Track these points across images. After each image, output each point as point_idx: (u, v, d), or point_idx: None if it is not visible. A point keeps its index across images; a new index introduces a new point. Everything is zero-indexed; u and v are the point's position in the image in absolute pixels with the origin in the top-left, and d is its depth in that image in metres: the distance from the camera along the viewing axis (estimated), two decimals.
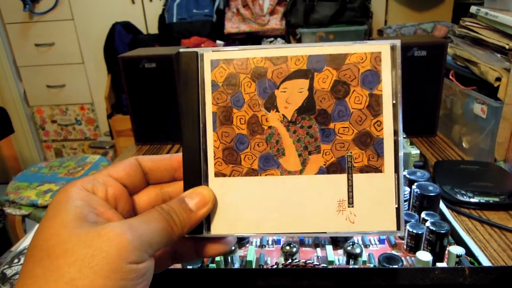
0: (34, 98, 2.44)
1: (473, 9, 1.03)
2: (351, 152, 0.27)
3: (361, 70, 0.27)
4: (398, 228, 0.26)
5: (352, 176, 0.27)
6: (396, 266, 0.42)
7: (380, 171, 0.27)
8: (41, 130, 2.53)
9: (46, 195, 1.34)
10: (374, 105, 0.27)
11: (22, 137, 2.49)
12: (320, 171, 0.28)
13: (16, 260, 0.56)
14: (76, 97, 2.41)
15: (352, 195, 0.27)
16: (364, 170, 0.27)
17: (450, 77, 1.02)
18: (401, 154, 0.26)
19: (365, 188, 0.27)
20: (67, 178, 1.45)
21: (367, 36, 1.95)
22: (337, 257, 0.46)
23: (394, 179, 0.26)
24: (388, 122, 0.26)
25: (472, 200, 0.60)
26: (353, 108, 0.27)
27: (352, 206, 0.27)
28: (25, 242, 0.60)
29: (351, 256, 0.44)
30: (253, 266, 0.44)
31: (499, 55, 0.91)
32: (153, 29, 2.18)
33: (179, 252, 0.30)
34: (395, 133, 0.27)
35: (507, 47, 0.86)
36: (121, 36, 2.10)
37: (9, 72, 2.35)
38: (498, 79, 0.86)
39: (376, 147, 0.27)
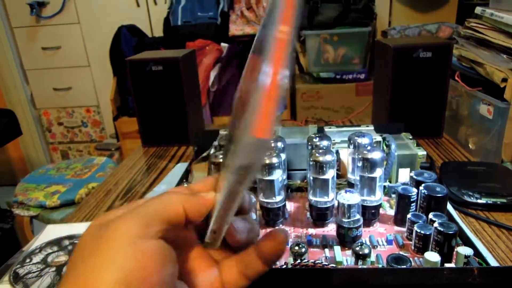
0: (41, 101, 2.47)
1: (478, 10, 1.03)
2: None
3: None
4: None
5: None
6: (404, 267, 0.42)
7: None
8: (48, 132, 2.56)
9: (54, 196, 1.36)
10: None
11: (29, 139, 2.51)
12: None
13: (28, 260, 0.57)
14: (82, 99, 2.43)
15: None
16: None
17: (456, 78, 1.02)
18: None
19: None
20: (74, 179, 1.46)
21: (371, 37, 1.95)
22: (345, 258, 0.46)
23: None
24: None
25: (479, 201, 0.60)
26: None
27: None
28: (36, 242, 0.61)
29: (360, 256, 0.44)
30: None
31: (505, 56, 0.91)
32: (158, 32, 2.19)
33: (248, 267, 0.28)
34: None
35: None
36: (127, 39, 2.11)
37: (17, 75, 2.37)
38: (504, 80, 0.86)
39: None
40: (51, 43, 2.30)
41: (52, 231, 0.64)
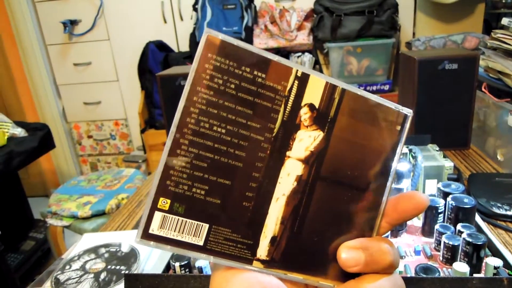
0: (72, 115, 2.57)
1: (504, 21, 1.02)
2: None
3: None
4: None
5: None
6: (433, 276, 0.42)
7: None
8: (78, 145, 2.65)
9: (85, 207, 1.41)
10: None
11: (60, 151, 2.61)
12: None
13: (67, 267, 0.60)
14: (111, 113, 2.51)
15: None
16: None
17: (483, 89, 1.01)
18: None
19: None
20: (105, 190, 1.51)
21: (395, 49, 1.95)
22: None
23: None
24: None
25: (508, 213, 0.60)
26: None
27: None
28: (74, 250, 0.64)
29: None
30: None
31: None
32: (184, 47, 2.26)
33: None
34: None
35: None
36: (154, 55, 2.19)
37: (50, 91, 2.49)
38: None
39: None
40: (82, 59, 2.40)
41: (88, 240, 0.68)
